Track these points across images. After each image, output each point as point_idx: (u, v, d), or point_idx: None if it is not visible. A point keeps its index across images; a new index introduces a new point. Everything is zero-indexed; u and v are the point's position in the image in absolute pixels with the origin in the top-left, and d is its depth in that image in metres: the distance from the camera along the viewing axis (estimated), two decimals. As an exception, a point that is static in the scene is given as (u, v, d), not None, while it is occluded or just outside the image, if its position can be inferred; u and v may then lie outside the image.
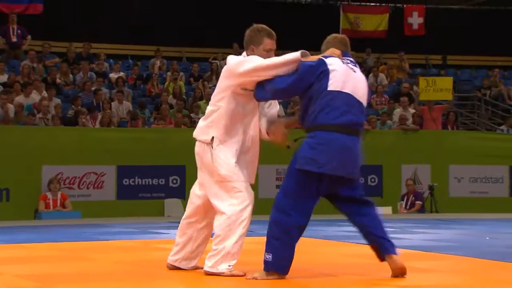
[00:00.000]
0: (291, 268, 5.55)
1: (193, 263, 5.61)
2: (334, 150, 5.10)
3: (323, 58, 5.15)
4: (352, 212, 5.34)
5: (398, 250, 5.21)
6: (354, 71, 5.24)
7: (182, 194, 14.43)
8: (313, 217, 12.95)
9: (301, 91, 5.10)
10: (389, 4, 19.96)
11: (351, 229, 10.33)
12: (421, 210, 14.97)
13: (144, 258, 6.75)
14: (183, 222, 5.62)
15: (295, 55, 5.14)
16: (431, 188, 15.33)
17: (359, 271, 5.81)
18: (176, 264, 5.61)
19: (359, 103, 5.17)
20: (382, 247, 5.15)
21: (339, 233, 9.44)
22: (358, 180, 5.49)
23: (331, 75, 5.06)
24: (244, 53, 5.47)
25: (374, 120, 16.34)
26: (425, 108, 16.60)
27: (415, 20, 19.59)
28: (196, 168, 5.72)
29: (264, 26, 5.52)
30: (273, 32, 5.48)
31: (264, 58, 5.26)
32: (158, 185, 14.39)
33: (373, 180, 15.85)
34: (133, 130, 14.93)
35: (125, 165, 14.22)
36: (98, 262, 6.45)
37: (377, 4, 20.22)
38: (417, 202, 14.98)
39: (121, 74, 17.19)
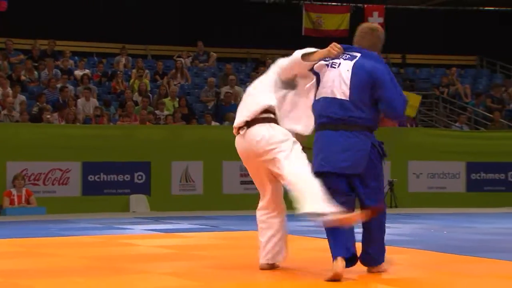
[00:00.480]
0: (248, 263, 5.57)
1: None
2: (318, 147, 5.11)
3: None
4: None
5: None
6: (336, 66, 5.17)
7: (147, 190, 14.39)
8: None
9: None
10: (350, 4, 20.08)
11: (310, 223, 10.40)
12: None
13: (109, 254, 6.72)
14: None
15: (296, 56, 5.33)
16: (391, 183, 15.46)
17: (318, 264, 5.85)
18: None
19: (336, 100, 5.07)
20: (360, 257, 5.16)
21: (300, 228, 9.49)
22: (370, 183, 5.13)
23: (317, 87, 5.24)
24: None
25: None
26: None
27: (375, 19, 19.73)
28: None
29: None
30: None
31: None
32: (123, 181, 14.31)
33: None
34: (98, 127, 14.84)
35: (90, 161, 14.11)
36: (63, 258, 6.41)
37: (339, 3, 20.33)
38: (377, 197, 15.06)
39: (86, 71, 17.06)
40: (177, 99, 16.22)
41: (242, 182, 15.17)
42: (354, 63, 5.06)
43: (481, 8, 21.28)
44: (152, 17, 20.01)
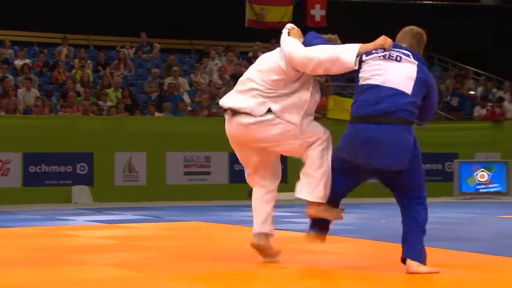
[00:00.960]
0: (192, 254, 5.55)
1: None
2: (352, 140, 4.95)
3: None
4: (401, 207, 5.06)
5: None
6: (397, 61, 4.89)
7: (89, 181, 14.22)
8: (222, 202, 12.94)
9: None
10: (293, -4, 20.16)
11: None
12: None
13: (50, 245, 6.62)
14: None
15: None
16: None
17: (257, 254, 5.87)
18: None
19: (391, 91, 4.79)
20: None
21: (243, 218, 9.50)
22: (406, 178, 4.92)
23: (361, 69, 4.99)
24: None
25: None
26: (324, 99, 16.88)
27: (318, 12, 19.86)
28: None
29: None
30: None
31: None
32: (65, 172, 14.12)
33: (277, 166, 16.03)
34: (39, 118, 14.58)
35: (32, 152, 13.88)
36: (4, 249, 6.29)
37: (282, -5, 20.39)
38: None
39: (27, 61, 16.74)
40: (120, 90, 16.05)
41: (186, 173, 15.12)
42: (419, 65, 4.90)
43: (418, 2, 21.58)
44: (95, 7, 19.74)
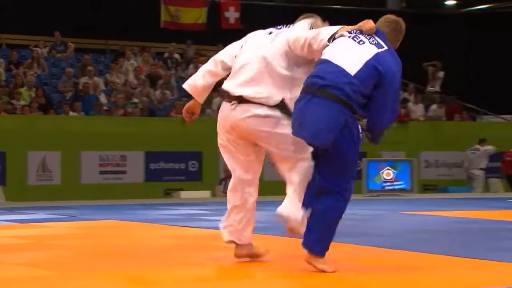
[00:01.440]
0: (107, 252, 5.48)
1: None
2: (293, 109, 4.69)
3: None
4: None
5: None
6: (359, 43, 4.69)
7: (2, 180, 13.86)
8: (138, 201, 12.75)
9: None
10: (208, -1, 20.18)
11: (170, 212, 10.37)
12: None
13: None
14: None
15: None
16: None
17: (174, 252, 5.86)
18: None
19: (336, 68, 4.59)
20: None
21: (158, 216, 9.45)
22: (328, 160, 4.65)
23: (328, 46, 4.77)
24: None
25: (194, 108, 16.45)
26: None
27: (232, 14, 19.93)
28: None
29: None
30: None
31: None
32: (-22, 172, 13.72)
33: (193, 165, 15.99)
34: (-50, 117, 14.12)
35: None
36: None
37: (196, -2, 20.38)
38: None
39: None
40: (34, 89, 15.68)
41: (101, 172, 14.92)
42: (378, 52, 4.65)
43: (328, 6, 21.93)
44: (7, 5, 19.20)
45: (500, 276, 4.63)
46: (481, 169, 17.41)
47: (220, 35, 19.81)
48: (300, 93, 4.66)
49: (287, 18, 21.46)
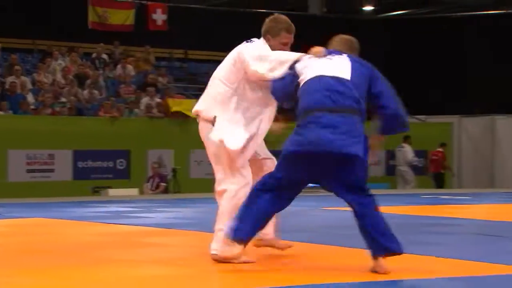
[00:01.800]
0: (34, 249, 5.36)
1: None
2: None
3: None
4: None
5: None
6: (329, 59, 4.62)
7: None
8: (66, 199, 12.47)
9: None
10: (135, 1, 19.96)
11: (98, 209, 10.22)
12: (165, 190, 15.20)
13: None
14: None
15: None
16: (174, 170, 15.64)
17: (102, 249, 5.78)
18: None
19: (334, 78, 4.50)
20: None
21: (86, 214, 9.30)
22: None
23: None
24: (256, 40, 4.94)
25: (122, 108, 16.30)
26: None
27: (159, 16, 19.82)
28: None
29: (284, 18, 4.94)
30: (292, 26, 4.92)
31: (278, 50, 4.82)
32: None
33: (121, 163, 15.83)
34: None
35: None
36: None
37: (123, -1, 20.18)
38: (161, 183, 15.19)
39: None
40: (-40, 88, 15.21)
41: (29, 170, 14.60)
42: (349, 57, 4.61)
43: (259, 10, 22.05)
44: None
45: (422, 267, 4.73)
46: (409, 165, 17.86)
47: (148, 36, 19.66)
48: (307, 114, 4.45)
49: (213, 21, 21.46)
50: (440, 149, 18.54)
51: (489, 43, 21.89)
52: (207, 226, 7.51)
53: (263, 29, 4.98)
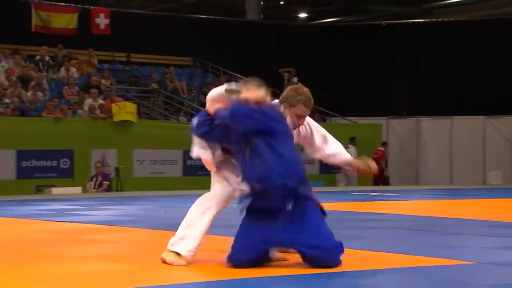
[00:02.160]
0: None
1: None
2: None
3: None
4: None
5: None
6: None
7: None
8: (8, 197, 12.16)
9: None
10: (78, 5, 19.66)
11: (41, 207, 10.01)
12: (108, 189, 15.02)
13: None
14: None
15: None
16: (117, 169, 15.47)
17: (45, 246, 5.68)
18: None
19: None
20: None
21: (29, 212, 9.10)
22: None
23: None
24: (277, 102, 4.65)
25: (66, 109, 16.03)
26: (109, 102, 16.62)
27: (102, 21, 19.59)
28: None
29: (305, 90, 4.59)
30: (311, 101, 4.58)
31: (294, 121, 4.55)
32: None
33: (65, 163, 15.59)
34: None
35: None
36: None
37: (67, 4, 19.82)
38: (104, 182, 15.01)
39: None
40: None
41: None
42: None
43: (198, 16, 21.98)
44: None
45: (352, 260, 4.78)
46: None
47: (91, 39, 19.39)
48: None
49: (155, 25, 21.25)
50: (381, 148, 18.83)
51: (416, 49, 22.36)
52: (149, 223, 7.46)
53: (282, 95, 4.71)
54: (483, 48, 21.74)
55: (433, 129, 21.25)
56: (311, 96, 4.57)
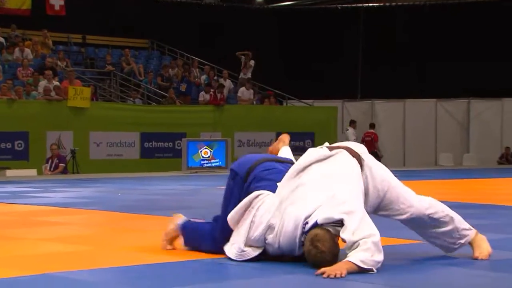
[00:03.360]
0: None
1: None
2: None
3: None
4: None
5: None
6: None
7: None
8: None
9: None
10: (33, -14, 19.28)
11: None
12: (64, 171, 14.82)
13: None
14: None
15: None
16: (73, 152, 15.27)
17: (1, 228, 5.59)
18: None
19: None
20: None
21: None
22: None
23: None
24: None
25: (21, 90, 15.73)
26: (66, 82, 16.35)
27: (57, 1, 19.24)
28: None
29: (314, 254, 3.50)
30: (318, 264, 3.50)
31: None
32: None
33: (19, 145, 15.33)
34: None
35: None
36: None
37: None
38: (60, 164, 14.80)
39: None
40: None
41: None
42: None
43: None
44: None
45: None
46: None
47: (46, 20, 19.02)
48: None
49: (111, 8, 20.92)
50: (372, 130, 18.94)
51: (371, 32, 22.51)
52: (106, 205, 7.40)
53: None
54: (436, 32, 22.03)
55: (387, 111, 21.49)
56: (321, 262, 3.49)
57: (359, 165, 3.79)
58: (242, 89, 19.05)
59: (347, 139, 18.63)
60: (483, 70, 20.60)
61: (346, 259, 3.43)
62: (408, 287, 3.29)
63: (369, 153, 3.98)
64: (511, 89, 20.54)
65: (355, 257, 3.42)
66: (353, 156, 3.82)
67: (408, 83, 21.67)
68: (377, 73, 21.98)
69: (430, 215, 3.87)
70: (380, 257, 3.46)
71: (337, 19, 23.11)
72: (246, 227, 3.71)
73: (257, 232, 3.66)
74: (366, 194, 3.77)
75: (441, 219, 3.89)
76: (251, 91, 19.19)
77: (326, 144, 4.00)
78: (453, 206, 3.67)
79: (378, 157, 18.50)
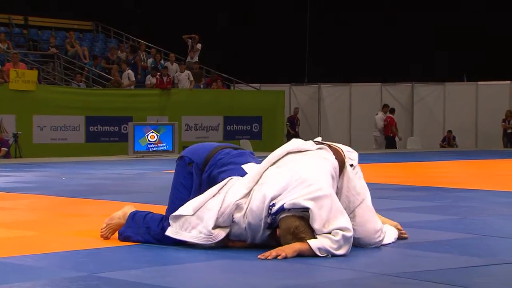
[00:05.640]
0: None
1: None
2: None
3: None
4: None
5: None
6: None
7: None
8: None
9: None
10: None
11: None
12: (7, 156, 14.50)
13: None
14: None
15: None
16: (15, 136, 14.94)
17: None
18: None
19: None
20: None
21: None
22: None
23: None
24: None
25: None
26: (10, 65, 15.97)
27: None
28: None
29: None
30: None
31: None
32: None
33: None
34: None
35: None
36: None
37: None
38: (2, 148, 14.48)
39: None
40: None
41: None
42: None
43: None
44: None
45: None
46: (380, 131, 18.57)
47: None
48: None
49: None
50: (390, 115, 18.82)
51: (316, 15, 22.61)
52: (49, 189, 7.26)
53: None
54: (379, 17, 22.29)
55: (333, 95, 21.68)
56: None
57: (338, 168, 3.66)
58: (179, 74, 18.47)
59: (375, 123, 18.72)
60: (428, 56, 20.95)
61: (308, 240, 3.40)
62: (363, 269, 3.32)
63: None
64: (454, 74, 20.99)
65: (316, 243, 3.38)
66: (337, 158, 3.70)
67: (353, 66, 21.91)
68: (324, 58, 22.14)
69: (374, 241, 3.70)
70: (342, 251, 3.41)
71: (285, 3, 23.14)
72: (217, 206, 3.60)
73: (226, 211, 3.58)
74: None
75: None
76: (187, 72, 18.56)
77: (319, 139, 3.89)
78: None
79: (394, 141, 18.66)
